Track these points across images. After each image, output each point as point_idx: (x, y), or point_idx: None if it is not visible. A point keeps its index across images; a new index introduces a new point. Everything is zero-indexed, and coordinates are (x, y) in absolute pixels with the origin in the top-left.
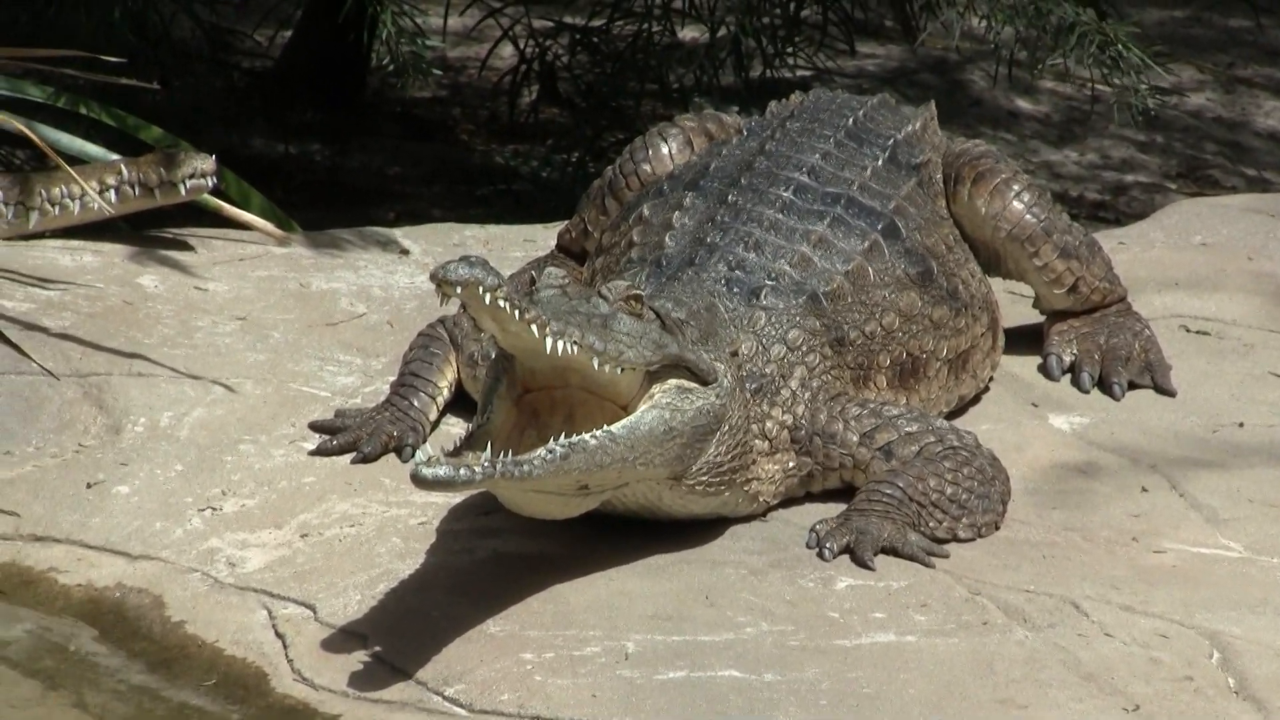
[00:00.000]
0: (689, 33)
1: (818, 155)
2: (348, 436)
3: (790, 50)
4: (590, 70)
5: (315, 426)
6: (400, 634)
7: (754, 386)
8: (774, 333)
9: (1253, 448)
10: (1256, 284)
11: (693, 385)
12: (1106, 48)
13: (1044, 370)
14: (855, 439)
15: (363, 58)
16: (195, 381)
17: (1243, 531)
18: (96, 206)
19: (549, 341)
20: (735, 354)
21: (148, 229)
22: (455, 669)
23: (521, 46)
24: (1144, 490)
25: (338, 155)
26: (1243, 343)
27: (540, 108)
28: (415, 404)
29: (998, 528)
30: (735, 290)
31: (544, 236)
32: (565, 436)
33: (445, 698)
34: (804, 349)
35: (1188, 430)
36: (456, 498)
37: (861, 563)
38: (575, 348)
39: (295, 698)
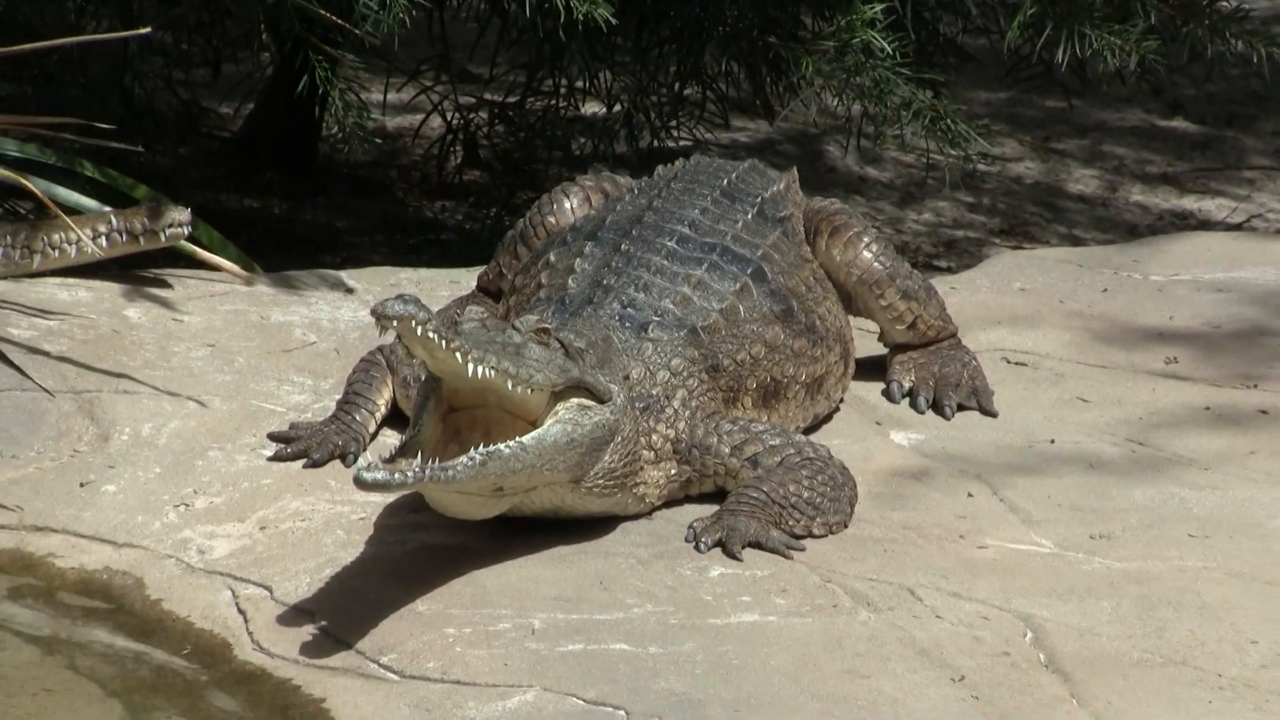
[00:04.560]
0: (590, 108)
1: (697, 211)
2: (300, 445)
3: (674, 124)
4: (506, 139)
5: (273, 436)
6: (343, 611)
7: (642, 405)
8: (660, 360)
9: (1062, 460)
10: (1067, 323)
11: (591, 404)
12: (938, 122)
13: (886, 394)
14: (727, 450)
15: (315, 127)
16: (172, 398)
17: (1052, 531)
18: (89, 250)
19: (470, 366)
20: (627, 378)
21: (133, 269)
22: (389, 641)
23: (449, 119)
24: (970, 495)
25: (293, 210)
26: (1054, 373)
27: (464, 170)
28: (357, 418)
29: (846, 526)
30: (627, 324)
31: (466, 278)
32: (483, 447)
33: (380, 665)
34: (685, 374)
35: (1007, 445)
36: (391, 498)
37: (731, 555)
38: (492, 371)
39: (254, 664)
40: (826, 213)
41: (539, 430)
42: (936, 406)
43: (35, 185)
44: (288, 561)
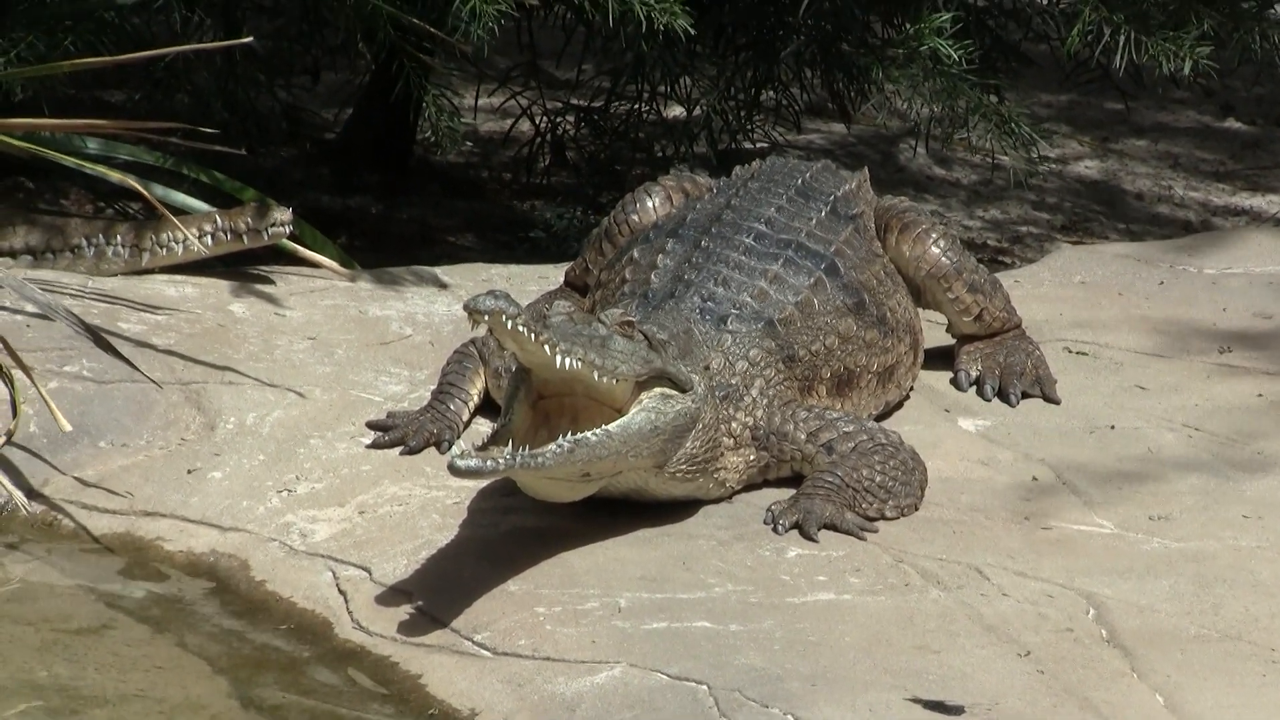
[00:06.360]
0: (671, 112)
1: (773, 209)
2: (397, 433)
3: (750, 126)
4: (592, 142)
5: (371, 425)
6: (438, 591)
7: (722, 394)
8: (738, 351)
9: (1121, 445)
10: (1125, 315)
11: (673, 393)
12: (1003, 124)
13: (954, 383)
14: (803, 437)
15: (410, 131)
16: (274, 389)
17: (1113, 512)
18: (196, 249)
19: (558, 358)
20: (708, 368)
21: (238, 267)
22: (482, 619)
23: (537, 122)
24: (1034, 479)
25: (390, 209)
26: (1114, 362)
27: (552, 171)
28: (451, 408)
29: (917, 509)
30: (707, 317)
31: (554, 274)
32: (571, 434)
33: (474, 642)
34: (762, 364)
35: (1069, 431)
36: (484, 483)
37: (808, 536)
38: (579, 363)
39: (354, 642)
40: (896, 210)
41: (624, 418)
42: (1002, 394)
43: (144, 187)
44: (385, 544)
